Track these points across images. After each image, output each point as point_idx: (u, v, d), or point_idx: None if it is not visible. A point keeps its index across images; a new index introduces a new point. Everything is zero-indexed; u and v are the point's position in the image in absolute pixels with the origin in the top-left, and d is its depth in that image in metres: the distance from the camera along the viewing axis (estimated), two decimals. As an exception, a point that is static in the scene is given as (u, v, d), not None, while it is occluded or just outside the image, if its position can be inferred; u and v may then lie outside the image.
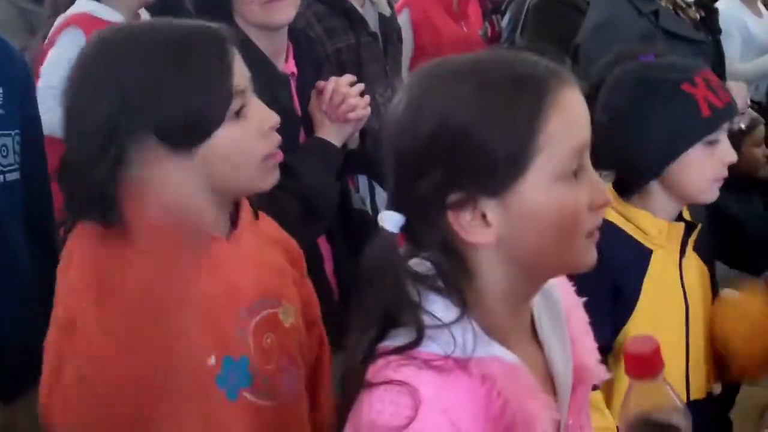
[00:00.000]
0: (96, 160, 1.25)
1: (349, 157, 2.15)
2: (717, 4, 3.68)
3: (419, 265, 1.08)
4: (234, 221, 1.41)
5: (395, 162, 1.10)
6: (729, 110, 1.86)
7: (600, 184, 1.09)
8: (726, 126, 1.85)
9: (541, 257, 1.08)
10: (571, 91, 1.08)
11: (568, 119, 1.06)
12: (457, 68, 1.11)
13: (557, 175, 1.04)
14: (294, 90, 2.15)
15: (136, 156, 1.28)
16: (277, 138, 1.40)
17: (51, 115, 2.18)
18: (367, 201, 2.26)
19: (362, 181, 2.27)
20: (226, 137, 1.31)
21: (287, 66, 2.15)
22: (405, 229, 1.07)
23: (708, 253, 1.99)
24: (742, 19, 4.29)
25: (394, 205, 1.09)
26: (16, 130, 1.80)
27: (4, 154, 1.75)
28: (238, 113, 1.32)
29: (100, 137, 1.25)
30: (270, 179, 1.40)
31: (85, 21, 2.79)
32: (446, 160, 1.04)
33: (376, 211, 2.24)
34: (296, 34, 2.23)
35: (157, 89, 1.27)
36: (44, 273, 1.50)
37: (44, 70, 2.70)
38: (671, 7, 2.79)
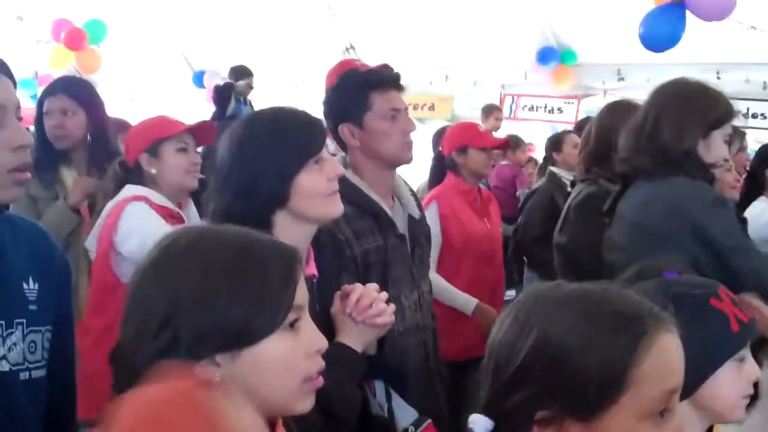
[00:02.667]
0: (144, 345, 1.30)
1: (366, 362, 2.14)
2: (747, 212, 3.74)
3: None
4: None
5: (494, 370, 1.18)
6: (753, 325, 1.85)
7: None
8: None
9: None
10: (669, 336, 1.16)
11: (663, 362, 1.14)
12: (566, 295, 1.21)
13: (644, 412, 1.10)
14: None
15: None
16: (321, 363, 1.42)
17: None
18: (385, 407, 2.23)
19: (379, 386, 2.24)
20: (274, 346, 1.34)
21: (308, 268, 2.16)
22: None
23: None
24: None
25: (485, 410, 1.15)
26: (48, 327, 1.80)
27: (32, 350, 1.74)
28: (292, 325, 1.36)
29: (153, 329, 1.30)
30: (307, 403, 1.41)
31: (142, 198, 3.01)
32: (542, 378, 1.12)
33: (393, 417, 2.20)
34: (320, 236, 2.25)
35: (212, 295, 1.32)
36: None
37: (120, 240, 3.04)
38: None
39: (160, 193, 3.21)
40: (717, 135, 2.81)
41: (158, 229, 2.93)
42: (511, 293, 6.82)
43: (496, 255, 4.59)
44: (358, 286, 2.10)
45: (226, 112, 8.13)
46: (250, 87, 8.65)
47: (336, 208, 2.15)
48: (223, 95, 8.44)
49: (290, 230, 2.08)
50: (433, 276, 3.44)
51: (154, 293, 1.35)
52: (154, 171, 3.21)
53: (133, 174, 3.25)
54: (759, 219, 3.96)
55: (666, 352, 1.14)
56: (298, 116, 2.20)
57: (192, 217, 3.42)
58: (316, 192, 2.09)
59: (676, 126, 2.78)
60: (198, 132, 3.35)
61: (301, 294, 1.39)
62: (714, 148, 2.81)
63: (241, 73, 8.72)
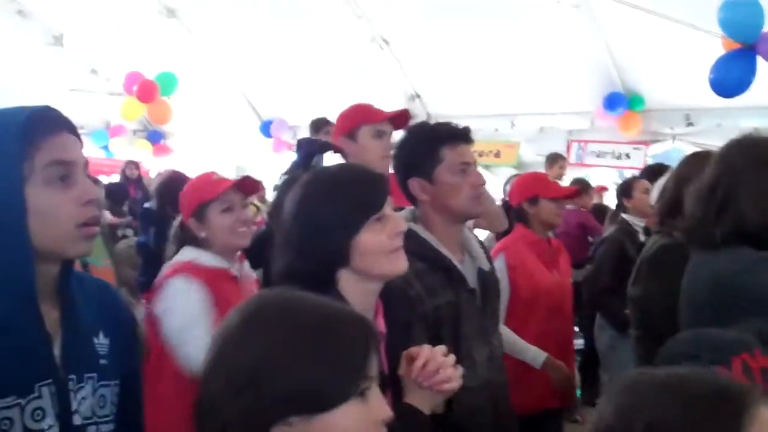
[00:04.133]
0: (228, 401, 1.37)
1: (432, 420, 2.09)
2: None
3: None
4: None
5: None
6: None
7: None
8: None
9: None
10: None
11: None
12: (663, 381, 1.26)
13: None
14: (382, 350, 2.11)
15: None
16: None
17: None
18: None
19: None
20: (345, 414, 1.39)
21: (376, 324, 2.14)
22: None
23: None
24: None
25: None
26: (116, 381, 1.82)
27: (102, 405, 1.76)
28: (362, 394, 1.42)
29: (238, 385, 1.38)
30: None
31: (191, 269, 3.04)
32: None
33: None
34: (388, 293, 2.22)
35: (297, 359, 1.39)
36: None
37: (163, 317, 3.14)
38: None
39: (213, 252, 3.25)
40: None
41: (195, 311, 3.06)
42: (579, 342, 6.75)
43: (565, 306, 4.52)
44: (425, 349, 2.05)
45: (309, 164, 8.25)
46: (327, 135, 8.74)
47: (400, 265, 2.12)
48: (309, 149, 8.58)
49: (355, 288, 2.08)
50: (502, 329, 3.39)
51: (242, 351, 1.41)
52: (203, 235, 3.26)
53: (188, 234, 3.30)
54: None
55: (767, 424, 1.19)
56: (359, 173, 2.20)
57: (246, 273, 3.43)
58: (377, 250, 2.07)
59: (757, 194, 2.50)
60: (243, 186, 3.33)
61: (374, 368, 1.45)
62: None
63: (321, 124, 8.83)
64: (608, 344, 5.45)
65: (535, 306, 4.25)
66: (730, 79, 6.85)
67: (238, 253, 3.38)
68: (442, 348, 2.07)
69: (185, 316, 3.05)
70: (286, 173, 4.38)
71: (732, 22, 6.61)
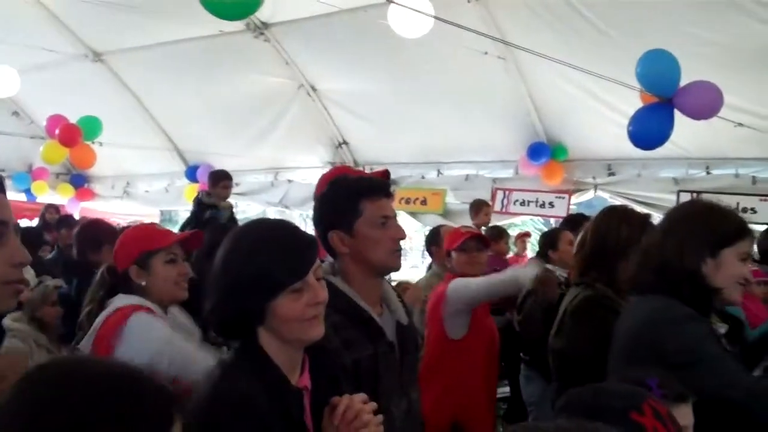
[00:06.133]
0: None
1: None
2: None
3: None
4: None
5: None
6: None
7: None
8: None
9: None
10: None
11: None
12: None
13: None
14: (307, 404, 2.14)
15: None
16: None
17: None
18: None
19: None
20: None
21: (302, 380, 2.16)
22: None
23: None
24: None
25: None
26: None
27: None
28: None
29: None
30: None
31: (138, 307, 3.10)
32: None
33: None
34: (313, 347, 2.22)
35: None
36: None
37: (134, 355, 2.87)
38: None
39: (151, 302, 3.20)
40: (729, 253, 2.71)
41: (172, 341, 3.00)
42: (505, 390, 6.78)
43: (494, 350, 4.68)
44: (345, 397, 2.08)
45: (199, 220, 8.33)
46: (225, 189, 8.78)
47: (314, 333, 2.12)
48: (196, 208, 8.73)
49: (273, 346, 2.10)
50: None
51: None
52: (143, 283, 3.22)
53: (122, 282, 3.24)
54: None
55: None
56: (289, 236, 2.16)
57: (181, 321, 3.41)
58: (292, 318, 2.07)
59: (678, 246, 2.71)
60: (190, 241, 3.37)
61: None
62: (727, 268, 2.71)
63: (219, 177, 8.85)
64: (539, 395, 5.49)
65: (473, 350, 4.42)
66: (648, 131, 7.02)
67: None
68: (362, 395, 2.10)
69: (160, 341, 2.99)
70: (180, 229, 4.41)
71: (649, 76, 6.79)
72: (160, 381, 1.36)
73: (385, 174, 3.57)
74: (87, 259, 4.98)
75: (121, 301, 3.18)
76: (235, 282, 2.06)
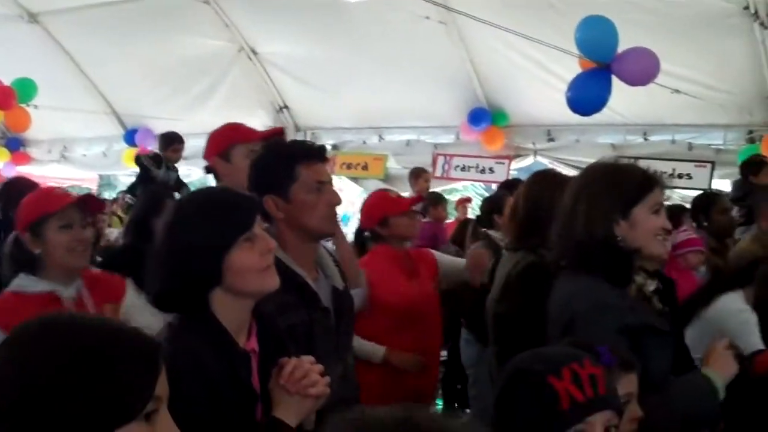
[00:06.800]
0: None
1: None
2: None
3: None
4: None
5: None
6: (594, 403, 1.84)
7: None
8: (599, 416, 1.84)
9: None
10: None
11: None
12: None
13: None
14: (255, 367, 2.17)
15: None
16: None
17: None
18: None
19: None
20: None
21: (249, 343, 2.18)
22: None
23: None
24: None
25: None
26: None
27: None
28: (148, 417, 1.33)
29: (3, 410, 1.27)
30: None
31: (9, 305, 2.91)
32: None
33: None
34: (260, 310, 2.25)
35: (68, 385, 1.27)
36: None
37: None
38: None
39: (45, 273, 3.01)
40: (639, 210, 2.60)
41: None
42: (444, 354, 6.80)
43: (431, 313, 4.63)
44: (293, 359, 2.11)
45: (144, 181, 8.23)
46: (176, 153, 8.68)
47: (271, 282, 2.17)
48: (141, 171, 8.62)
49: (227, 307, 2.12)
50: None
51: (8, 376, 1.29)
52: (37, 251, 3.00)
53: (22, 251, 3.03)
54: None
55: None
56: (228, 194, 2.25)
57: (85, 295, 3.11)
58: (249, 268, 2.11)
59: (585, 216, 2.62)
60: (85, 204, 3.11)
61: (163, 389, 1.36)
62: (641, 225, 2.60)
63: (171, 139, 8.73)
64: (476, 359, 5.50)
65: (400, 317, 4.32)
66: (586, 97, 7.08)
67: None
68: (309, 357, 2.13)
69: None
70: (126, 191, 4.30)
71: (588, 43, 6.84)
72: (143, 332, 1.39)
73: (280, 132, 3.65)
74: (8, 218, 4.79)
75: (10, 286, 3.00)
76: (187, 246, 2.09)
